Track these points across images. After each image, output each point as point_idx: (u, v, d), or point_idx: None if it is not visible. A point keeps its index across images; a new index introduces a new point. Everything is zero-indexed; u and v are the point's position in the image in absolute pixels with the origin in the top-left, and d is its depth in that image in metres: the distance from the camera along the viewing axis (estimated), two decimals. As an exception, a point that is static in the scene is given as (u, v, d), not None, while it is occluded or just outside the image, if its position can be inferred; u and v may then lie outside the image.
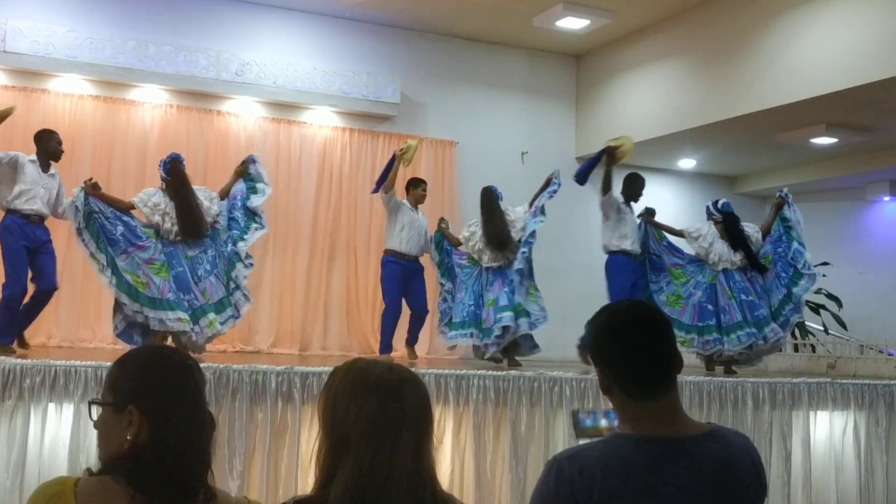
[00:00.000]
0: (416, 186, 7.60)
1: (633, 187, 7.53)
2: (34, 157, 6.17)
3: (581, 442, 2.90)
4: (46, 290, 6.10)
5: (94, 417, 1.81)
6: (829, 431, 6.75)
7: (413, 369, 1.85)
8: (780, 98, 8.20)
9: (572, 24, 9.36)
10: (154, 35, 8.65)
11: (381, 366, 1.80)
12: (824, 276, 9.75)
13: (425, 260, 7.65)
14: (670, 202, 10.71)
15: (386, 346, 7.35)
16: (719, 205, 7.85)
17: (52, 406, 4.65)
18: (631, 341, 1.89)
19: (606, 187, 7.22)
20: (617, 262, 7.35)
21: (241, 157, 8.95)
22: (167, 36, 8.71)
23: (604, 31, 9.70)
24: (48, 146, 6.22)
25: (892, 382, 6.95)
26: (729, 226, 7.64)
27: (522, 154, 10.45)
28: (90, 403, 1.82)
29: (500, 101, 10.39)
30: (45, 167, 6.20)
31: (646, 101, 9.85)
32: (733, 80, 8.72)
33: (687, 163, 10.97)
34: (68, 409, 4.63)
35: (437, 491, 1.75)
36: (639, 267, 7.59)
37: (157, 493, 1.69)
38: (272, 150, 9.18)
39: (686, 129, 9.34)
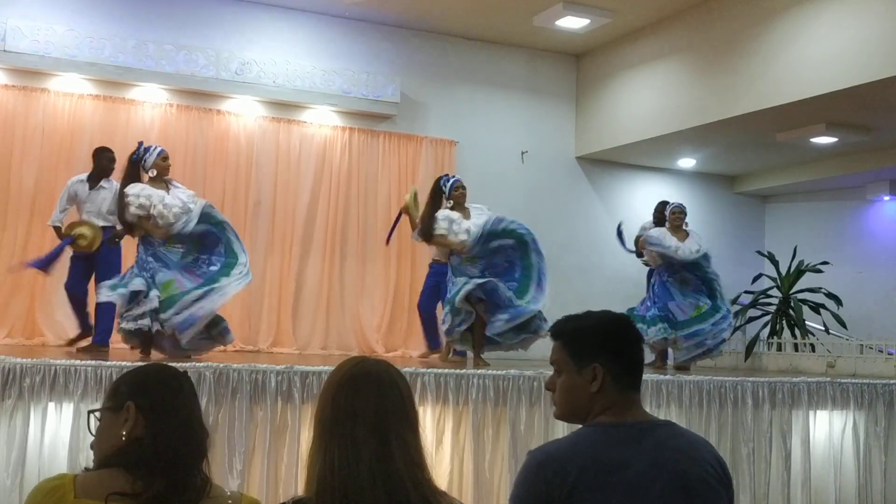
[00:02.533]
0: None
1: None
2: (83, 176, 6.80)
3: None
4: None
5: (94, 430, 1.90)
6: (828, 431, 6.75)
7: (411, 369, 1.86)
8: (779, 97, 8.20)
9: (572, 23, 9.36)
10: (154, 34, 8.65)
11: (351, 362, 1.83)
12: (822, 272, 9.76)
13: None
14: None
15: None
16: None
17: (51, 405, 4.64)
18: (630, 337, 2.11)
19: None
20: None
21: (241, 157, 9.06)
22: (167, 35, 8.71)
23: (604, 30, 9.70)
24: (101, 164, 6.77)
25: (891, 382, 6.95)
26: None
27: (522, 153, 10.46)
28: (90, 413, 1.92)
29: (500, 101, 10.39)
30: (93, 182, 6.78)
31: (645, 100, 9.85)
32: (733, 79, 8.72)
33: (686, 162, 10.97)
34: (68, 409, 4.63)
35: (423, 487, 1.74)
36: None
37: (155, 480, 1.74)
38: (272, 150, 9.19)
39: (686, 129, 9.33)
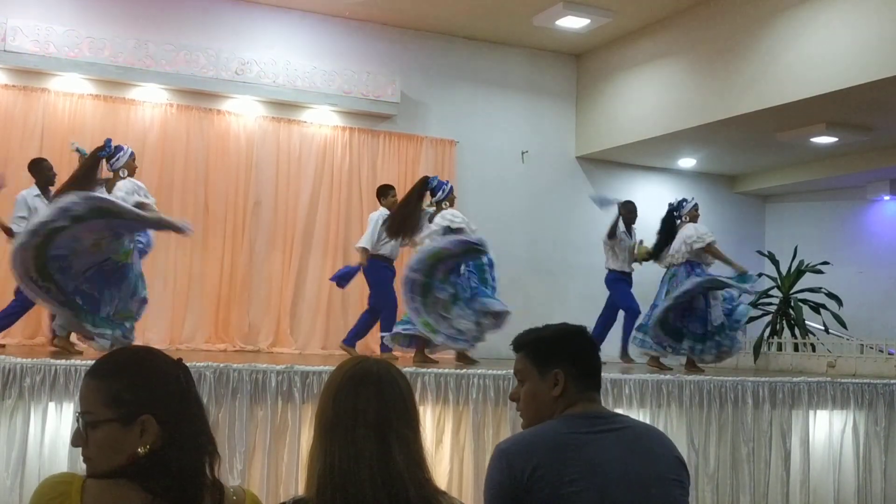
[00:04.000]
0: (385, 195, 7.77)
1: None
2: (36, 189, 6.68)
3: None
4: None
5: (84, 435, 1.66)
6: (828, 431, 6.75)
7: (411, 369, 1.86)
8: (780, 97, 8.20)
9: (572, 23, 9.36)
10: (154, 34, 8.66)
11: (352, 362, 1.82)
12: (822, 272, 9.77)
13: None
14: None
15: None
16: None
17: (52, 405, 4.65)
18: (585, 342, 2.30)
19: None
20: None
21: (241, 157, 9.06)
22: (167, 35, 8.71)
23: (604, 30, 9.71)
24: (42, 174, 6.74)
25: (891, 382, 6.95)
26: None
27: (522, 153, 10.46)
28: (83, 424, 1.67)
29: (500, 101, 10.39)
30: (44, 193, 6.64)
31: (646, 100, 9.85)
32: (733, 79, 8.72)
33: (687, 162, 10.97)
34: (68, 409, 4.63)
35: (424, 486, 1.74)
36: None
37: (176, 493, 1.62)
38: (272, 150, 9.19)
39: (686, 129, 9.34)
